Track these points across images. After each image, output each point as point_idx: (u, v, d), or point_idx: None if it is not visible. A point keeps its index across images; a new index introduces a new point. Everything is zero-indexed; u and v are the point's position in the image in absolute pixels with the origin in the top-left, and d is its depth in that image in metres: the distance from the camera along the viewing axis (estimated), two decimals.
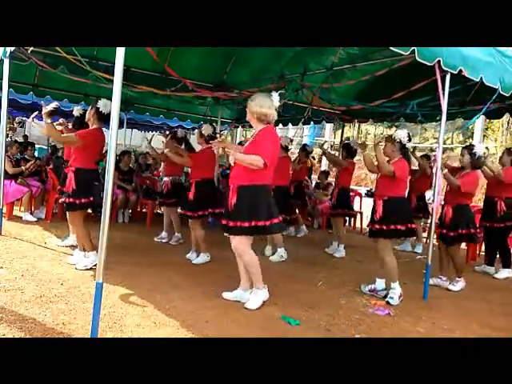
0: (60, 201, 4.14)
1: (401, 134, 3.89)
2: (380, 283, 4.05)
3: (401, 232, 3.90)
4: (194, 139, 10.39)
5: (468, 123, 4.10)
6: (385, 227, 3.84)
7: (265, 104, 3.27)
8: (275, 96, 3.29)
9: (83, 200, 3.89)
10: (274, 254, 5.18)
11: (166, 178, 5.59)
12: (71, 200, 3.90)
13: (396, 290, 3.86)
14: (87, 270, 3.91)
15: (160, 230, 5.79)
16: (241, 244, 3.36)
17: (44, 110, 3.86)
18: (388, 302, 3.79)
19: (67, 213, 4.10)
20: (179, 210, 4.88)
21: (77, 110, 4.98)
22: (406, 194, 4.65)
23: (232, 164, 3.36)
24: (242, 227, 3.28)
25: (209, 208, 4.64)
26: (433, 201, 4.18)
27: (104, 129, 4.01)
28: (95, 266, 3.83)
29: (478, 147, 4.45)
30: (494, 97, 4.07)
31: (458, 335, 3.26)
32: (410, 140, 3.95)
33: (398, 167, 3.84)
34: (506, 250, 5.34)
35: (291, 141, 5.53)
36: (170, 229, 5.62)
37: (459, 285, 4.51)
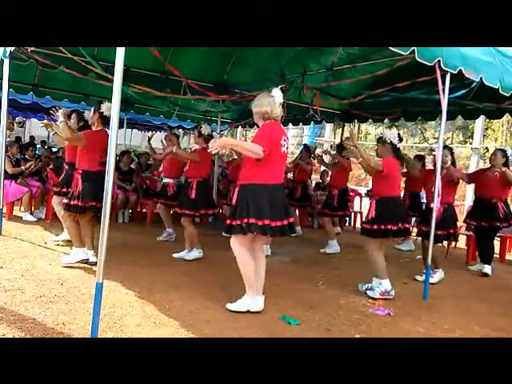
0: (64, 201, 4.10)
1: (390, 135, 3.96)
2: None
3: (392, 232, 3.93)
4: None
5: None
6: (375, 227, 3.90)
7: (264, 102, 3.26)
8: (276, 91, 3.26)
9: (89, 203, 3.94)
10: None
11: (169, 180, 5.55)
12: (75, 202, 3.94)
13: (381, 286, 3.90)
14: (82, 267, 3.91)
15: (160, 229, 5.80)
16: (234, 243, 3.29)
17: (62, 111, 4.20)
18: (365, 292, 3.86)
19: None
20: (177, 210, 4.81)
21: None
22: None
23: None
24: (236, 225, 3.19)
25: (209, 208, 4.74)
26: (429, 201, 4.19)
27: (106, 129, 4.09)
28: (78, 262, 3.92)
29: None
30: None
31: (458, 335, 3.26)
32: (400, 140, 4.01)
33: (387, 163, 3.88)
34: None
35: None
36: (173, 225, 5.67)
37: (437, 275, 4.61)
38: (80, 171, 4.02)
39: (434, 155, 4.27)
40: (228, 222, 3.28)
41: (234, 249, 3.29)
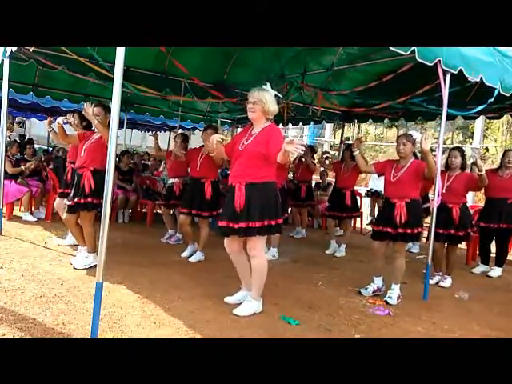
0: (67, 202, 4.05)
1: (418, 137, 3.97)
2: (379, 280, 4.08)
3: (420, 235, 3.90)
4: (193, 139, 10.37)
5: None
6: (409, 231, 3.77)
7: (273, 100, 3.16)
8: (272, 90, 3.19)
9: (100, 200, 3.87)
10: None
11: (174, 180, 5.42)
12: (88, 200, 3.92)
13: (396, 290, 3.89)
14: (85, 269, 3.91)
15: (160, 229, 5.80)
16: (260, 245, 3.25)
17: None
18: (387, 302, 3.80)
19: (80, 213, 4.03)
20: (203, 213, 4.70)
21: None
22: None
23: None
24: (260, 227, 3.12)
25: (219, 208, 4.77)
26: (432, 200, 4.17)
27: None
28: (91, 267, 3.87)
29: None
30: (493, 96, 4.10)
31: (458, 335, 3.26)
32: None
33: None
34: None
35: None
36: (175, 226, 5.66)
37: (448, 281, 4.65)
38: (91, 169, 3.96)
39: (435, 155, 4.25)
40: (256, 224, 3.10)
41: (260, 254, 3.25)
